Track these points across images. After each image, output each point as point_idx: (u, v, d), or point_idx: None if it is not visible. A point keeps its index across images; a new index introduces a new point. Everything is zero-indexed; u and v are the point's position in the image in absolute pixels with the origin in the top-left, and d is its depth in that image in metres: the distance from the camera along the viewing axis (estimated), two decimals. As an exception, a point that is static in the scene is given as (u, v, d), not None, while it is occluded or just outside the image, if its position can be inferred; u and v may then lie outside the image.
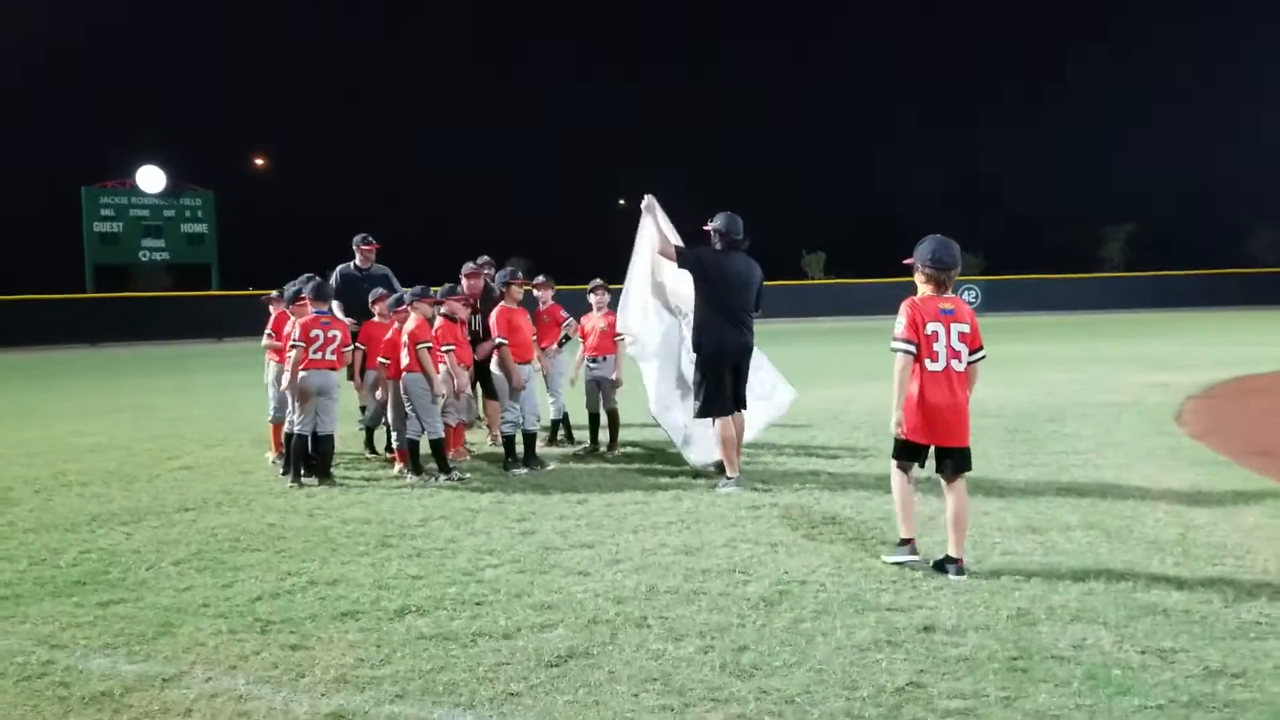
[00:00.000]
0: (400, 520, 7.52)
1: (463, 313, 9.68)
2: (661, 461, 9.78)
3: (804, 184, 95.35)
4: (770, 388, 9.63)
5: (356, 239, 11.49)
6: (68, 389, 20.56)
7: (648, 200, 9.13)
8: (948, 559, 5.75)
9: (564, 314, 11.23)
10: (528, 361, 9.90)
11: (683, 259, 8.66)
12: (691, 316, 8.80)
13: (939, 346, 5.78)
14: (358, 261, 11.41)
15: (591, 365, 10.65)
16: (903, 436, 5.92)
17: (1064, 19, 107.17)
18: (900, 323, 5.86)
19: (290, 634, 5.04)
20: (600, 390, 10.56)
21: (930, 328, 5.78)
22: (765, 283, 8.97)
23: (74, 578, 6.16)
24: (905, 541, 5.98)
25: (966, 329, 5.85)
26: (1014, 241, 72.59)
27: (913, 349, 5.80)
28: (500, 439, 10.00)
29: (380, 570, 6.14)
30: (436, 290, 9.58)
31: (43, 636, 5.12)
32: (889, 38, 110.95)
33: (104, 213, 45.09)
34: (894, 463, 6.08)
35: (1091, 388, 15.30)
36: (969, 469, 5.94)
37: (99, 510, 8.16)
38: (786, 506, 7.62)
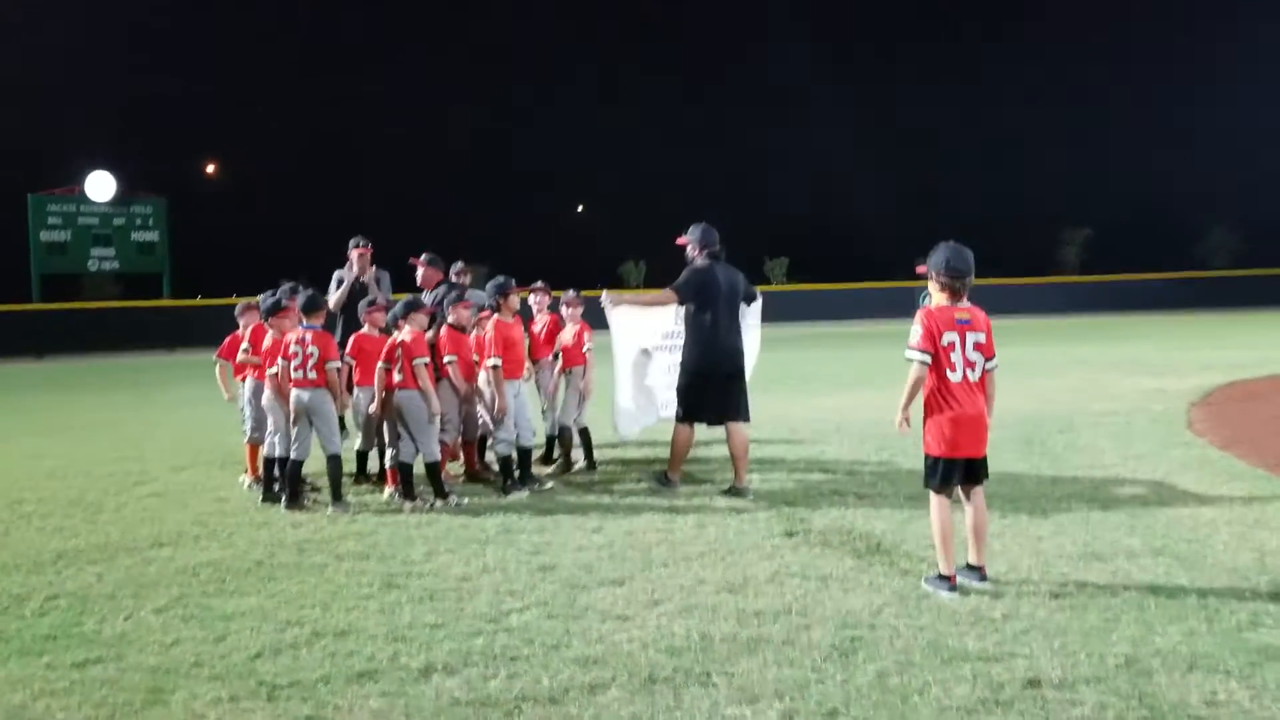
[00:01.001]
0: (402, 555, 6.86)
1: (469, 322, 9.10)
2: (642, 476, 9.17)
3: (764, 189, 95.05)
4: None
5: (351, 243, 10.89)
6: (17, 405, 19.58)
7: (605, 299, 9.11)
8: (969, 567, 5.70)
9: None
10: (518, 379, 9.23)
11: (682, 295, 8.64)
12: (679, 338, 8.97)
13: (955, 357, 5.66)
14: (355, 270, 10.84)
15: (565, 379, 10.12)
16: (932, 455, 5.75)
17: (1003, 23, 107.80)
18: (916, 332, 5.73)
19: (303, 701, 4.38)
20: (568, 406, 10.02)
21: (947, 338, 5.66)
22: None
23: (43, 630, 5.46)
24: (945, 578, 5.65)
25: (982, 338, 5.74)
26: (971, 246, 72.60)
27: (928, 358, 5.67)
28: (466, 459, 9.50)
29: (392, 618, 5.48)
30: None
31: (12, 709, 4.43)
32: (843, 37, 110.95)
33: (51, 221, 43.63)
34: (933, 493, 5.79)
35: (1087, 394, 14.89)
36: (986, 477, 5.85)
37: (64, 546, 7.42)
38: (823, 532, 7.04)
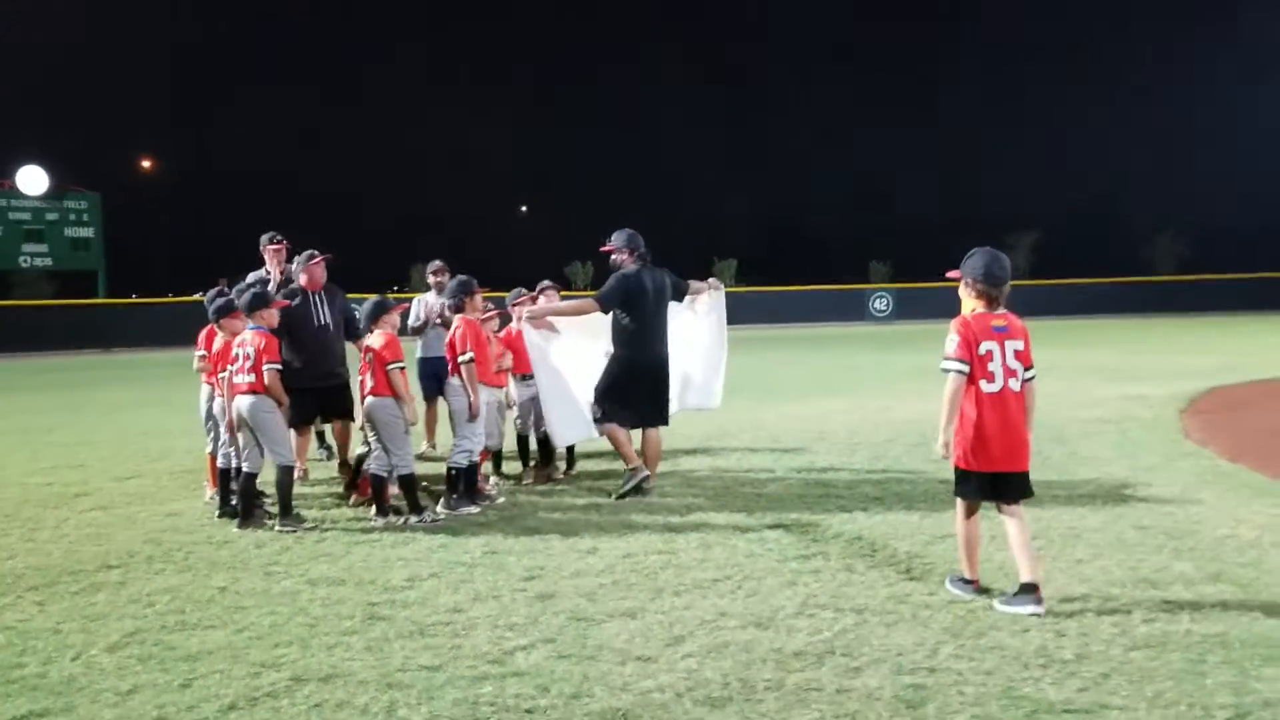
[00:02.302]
0: (382, 580, 6.19)
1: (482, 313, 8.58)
2: (647, 495, 8.58)
3: (714, 190, 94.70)
4: (706, 384, 9.75)
5: (264, 239, 10.13)
6: (-55, 408, 18.52)
7: (527, 312, 8.89)
8: (1024, 587, 5.32)
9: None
10: (486, 383, 8.58)
11: (605, 303, 8.58)
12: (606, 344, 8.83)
13: (994, 366, 5.42)
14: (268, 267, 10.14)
15: (523, 384, 9.45)
16: (961, 466, 5.53)
17: (973, 24, 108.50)
18: (952, 341, 5.50)
19: (291, 768, 3.73)
20: (534, 411, 9.42)
21: (984, 347, 5.43)
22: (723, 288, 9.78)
23: (-23, 675, 4.75)
24: (968, 581, 5.62)
25: (1021, 346, 5.49)
26: (921, 249, 73.01)
27: (965, 369, 5.44)
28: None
29: (382, 658, 4.82)
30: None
31: (-59, 780, 3.74)
32: (805, 34, 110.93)
33: (-20, 216, 42.23)
34: (959, 500, 5.65)
35: (1068, 402, 14.47)
36: (1030, 495, 5.55)
37: (-1, 570, 6.68)
38: (843, 555, 6.46)
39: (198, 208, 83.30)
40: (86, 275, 46.04)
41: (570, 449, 9.80)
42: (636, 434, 8.77)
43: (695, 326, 9.65)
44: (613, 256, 8.81)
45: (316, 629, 5.30)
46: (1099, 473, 9.14)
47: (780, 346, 30.91)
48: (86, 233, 44.44)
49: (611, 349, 8.77)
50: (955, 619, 5.17)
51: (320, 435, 10.74)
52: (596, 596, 5.71)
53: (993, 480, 5.47)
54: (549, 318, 9.06)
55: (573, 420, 8.94)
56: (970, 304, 5.64)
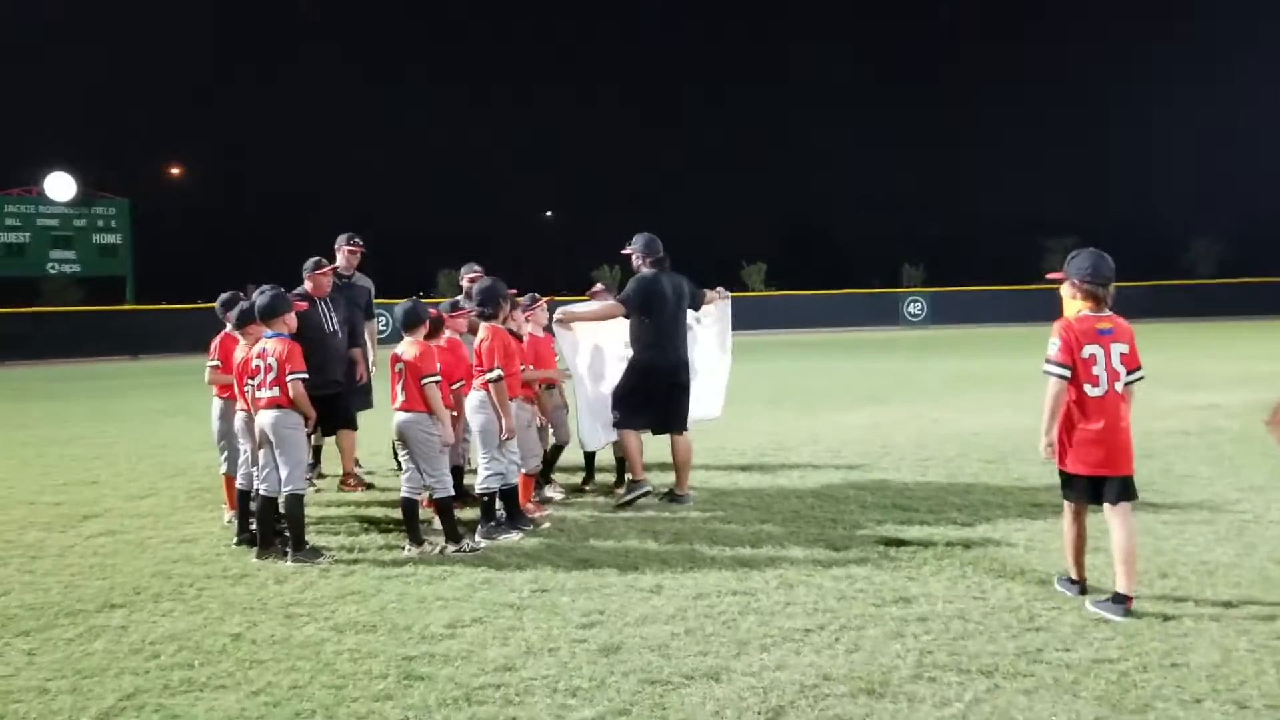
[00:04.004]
0: (419, 625, 5.39)
1: (524, 328, 8.01)
2: (704, 512, 7.76)
3: (743, 193, 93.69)
4: (708, 394, 9.33)
5: (341, 239, 9.63)
6: (-37, 418, 17.90)
7: (559, 314, 8.75)
8: (1116, 596, 5.31)
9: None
10: (517, 397, 7.85)
11: (629, 305, 8.44)
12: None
13: (1099, 370, 5.38)
14: (340, 264, 9.64)
15: (547, 393, 8.97)
16: (1064, 470, 5.51)
17: (1011, 25, 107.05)
18: (1054, 344, 5.44)
19: None
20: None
21: (1088, 350, 5.38)
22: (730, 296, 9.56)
23: (-58, 751, 3.99)
24: (1074, 581, 5.62)
25: (1126, 349, 5.46)
26: (955, 253, 71.88)
27: (1067, 373, 5.38)
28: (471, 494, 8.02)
29: (423, 731, 4.03)
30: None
31: None
32: (833, 37, 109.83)
33: (9, 222, 41.58)
34: (1067, 503, 5.62)
35: (1139, 410, 13.37)
36: (1134, 498, 5.54)
37: (-11, 609, 5.93)
38: (948, 597, 5.62)
39: (227, 214, 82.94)
40: (115, 281, 45.59)
41: (590, 460, 9.31)
42: (658, 442, 8.72)
43: (699, 336, 9.37)
44: (633, 261, 8.68)
45: (344, 692, 4.50)
46: (1205, 494, 8.28)
47: (816, 352, 30.00)
48: (115, 239, 43.94)
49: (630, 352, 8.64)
50: (1107, 685, 4.32)
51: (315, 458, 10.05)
52: (670, 651, 4.89)
53: (1095, 483, 5.44)
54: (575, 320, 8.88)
55: (596, 425, 8.83)
56: (1075, 305, 5.60)
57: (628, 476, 8.63)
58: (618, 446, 8.91)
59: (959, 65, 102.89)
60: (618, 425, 8.48)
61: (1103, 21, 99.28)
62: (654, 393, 8.40)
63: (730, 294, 9.62)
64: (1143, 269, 57.27)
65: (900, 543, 6.85)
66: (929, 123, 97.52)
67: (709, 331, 9.36)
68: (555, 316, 8.64)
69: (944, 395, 16.45)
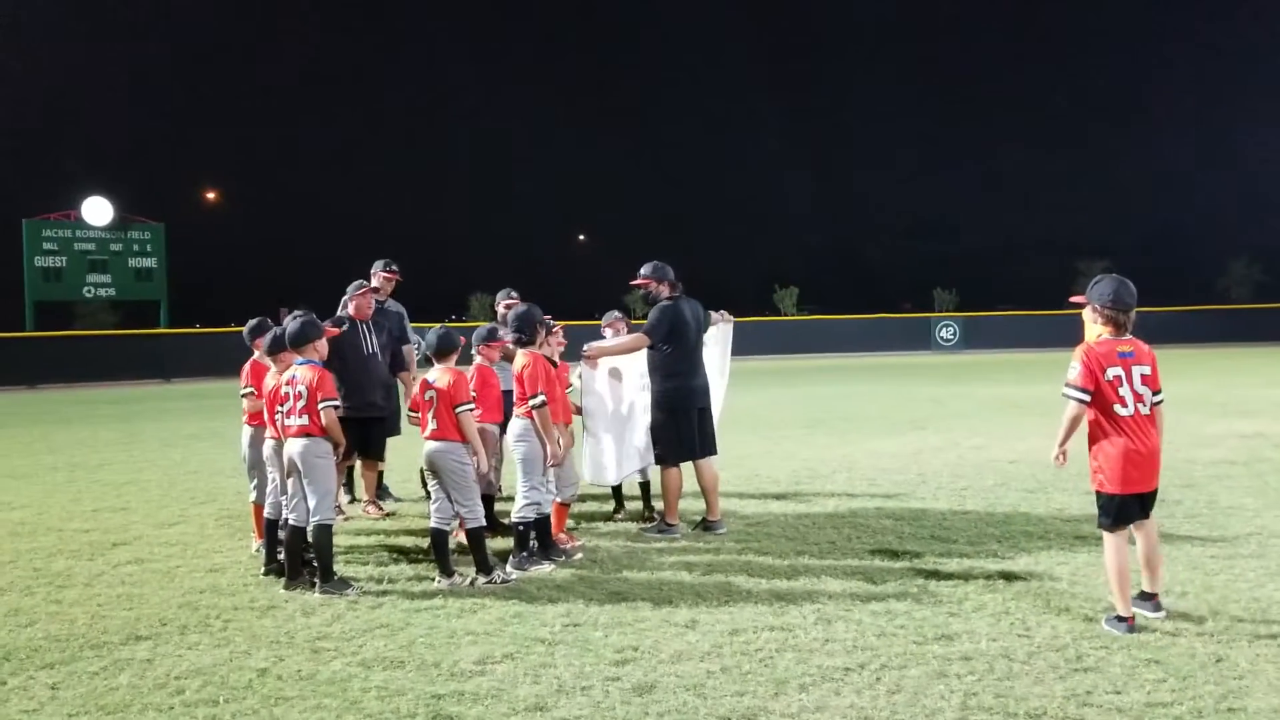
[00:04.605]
0: (448, 662, 5.27)
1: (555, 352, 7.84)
2: (738, 542, 7.61)
3: (775, 217, 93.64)
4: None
5: (377, 265, 9.62)
6: (-3, 441, 17.98)
7: (587, 350, 8.50)
8: (1143, 595, 5.65)
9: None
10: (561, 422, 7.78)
11: (655, 336, 8.30)
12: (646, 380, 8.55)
13: (1124, 391, 5.51)
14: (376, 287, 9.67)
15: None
16: (1106, 492, 5.58)
17: (1036, 46, 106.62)
18: (1075, 369, 5.58)
19: None
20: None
21: (1111, 373, 5.52)
22: (739, 319, 9.63)
23: (-39, 792, 3.90)
24: (1123, 619, 5.49)
25: (1148, 370, 5.60)
26: (988, 277, 71.49)
27: (1086, 397, 5.53)
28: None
29: (452, 780, 3.90)
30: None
31: None
32: (867, 64, 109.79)
33: (46, 246, 42.07)
34: (1106, 533, 5.63)
35: (1181, 439, 13.21)
36: (1152, 507, 5.69)
37: (14, 641, 5.85)
38: (991, 634, 5.43)
39: (262, 239, 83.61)
40: (149, 305, 45.94)
41: (617, 490, 9.16)
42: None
43: (710, 355, 9.10)
44: (650, 290, 8.55)
45: (371, 731, 4.39)
46: (1252, 526, 8.05)
47: (849, 377, 29.74)
48: (150, 263, 44.33)
49: (648, 382, 8.52)
50: (1163, 731, 4.14)
51: (349, 483, 9.99)
52: (706, 691, 4.75)
53: (1142, 499, 5.57)
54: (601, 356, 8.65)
55: (618, 462, 8.63)
56: (1096, 330, 5.72)
57: (657, 510, 8.51)
58: (641, 475, 8.87)
59: (990, 82, 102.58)
60: (661, 462, 8.32)
61: (1138, 43, 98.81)
62: (688, 420, 8.31)
63: (734, 318, 9.47)
64: (1178, 293, 56.84)
65: (940, 576, 6.68)
66: (962, 144, 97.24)
67: (710, 353, 9.11)
68: (584, 353, 8.47)
69: (979, 422, 16.22)
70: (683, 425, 8.29)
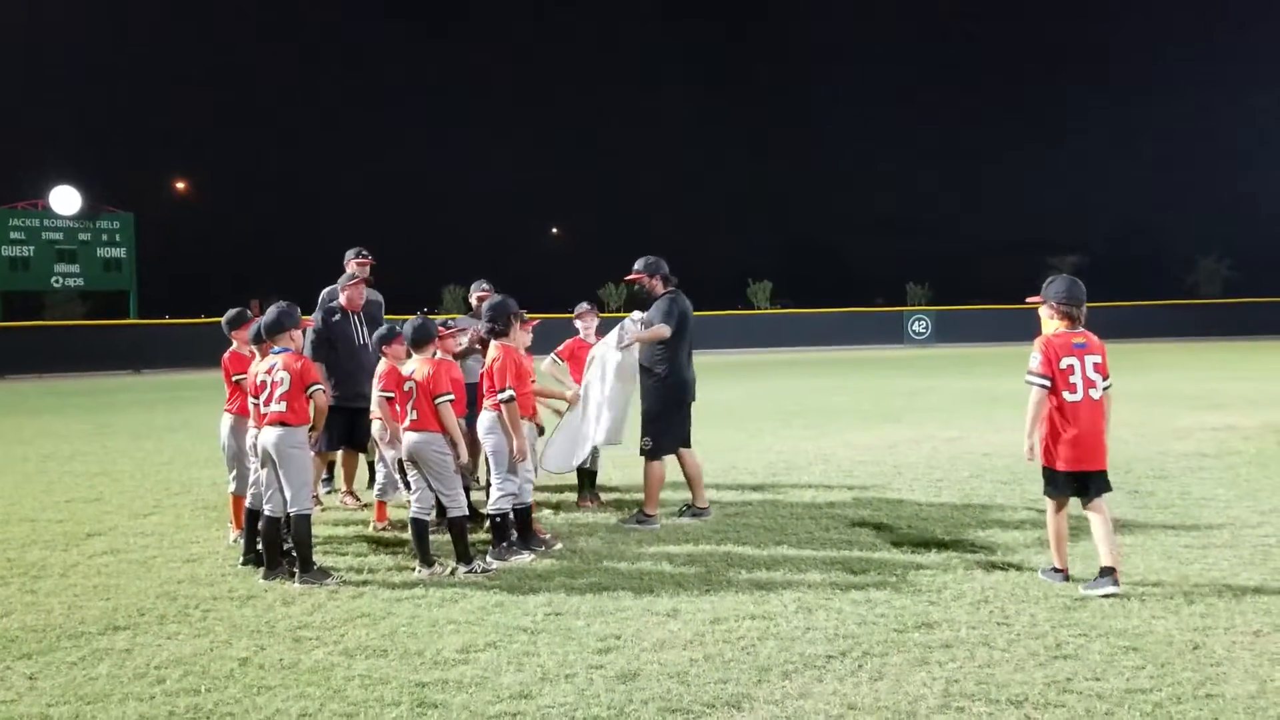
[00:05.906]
0: (431, 650, 5.27)
1: (525, 341, 7.78)
2: (717, 532, 7.64)
3: (748, 211, 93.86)
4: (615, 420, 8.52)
5: (349, 254, 9.51)
6: (-35, 433, 17.77)
7: (629, 338, 8.36)
8: (1104, 570, 5.98)
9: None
10: (529, 417, 7.79)
11: (668, 321, 8.25)
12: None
13: (1075, 379, 6.08)
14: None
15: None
16: (1049, 466, 6.20)
17: (1015, 50, 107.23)
18: (1035, 359, 6.17)
19: None
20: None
21: (1065, 362, 6.10)
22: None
23: (-59, 782, 3.86)
24: (1059, 570, 6.26)
25: (1099, 359, 6.18)
26: (959, 272, 71.89)
27: (1047, 383, 6.11)
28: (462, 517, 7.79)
29: (439, 767, 3.90)
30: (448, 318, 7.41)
31: None
32: (842, 62, 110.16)
33: (14, 236, 41.59)
34: (1049, 500, 6.31)
35: (1154, 432, 13.42)
36: (1109, 489, 6.23)
37: (-10, 631, 5.81)
38: (970, 622, 5.48)
39: (231, 229, 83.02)
40: (118, 295, 45.53)
41: (592, 477, 9.34)
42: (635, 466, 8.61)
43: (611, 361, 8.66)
44: (646, 285, 8.53)
45: (356, 718, 4.38)
46: (1225, 517, 8.14)
47: (822, 370, 29.85)
48: (119, 253, 43.90)
49: (617, 374, 8.39)
50: (1141, 718, 4.19)
51: (330, 473, 9.94)
52: (689, 678, 4.76)
53: (1076, 478, 6.13)
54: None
55: (570, 451, 8.60)
56: (1052, 325, 6.33)
57: (641, 508, 8.46)
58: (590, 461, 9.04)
59: (965, 79, 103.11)
60: (651, 452, 8.28)
61: (1106, 46, 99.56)
62: (683, 410, 8.46)
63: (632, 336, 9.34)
64: (1149, 289, 57.36)
65: (919, 565, 6.73)
66: (938, 141, 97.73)
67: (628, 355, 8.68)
68: (624, 342, 8.33)
69: (952, 414, 16.32)
70: (676, 417, 8.36)
